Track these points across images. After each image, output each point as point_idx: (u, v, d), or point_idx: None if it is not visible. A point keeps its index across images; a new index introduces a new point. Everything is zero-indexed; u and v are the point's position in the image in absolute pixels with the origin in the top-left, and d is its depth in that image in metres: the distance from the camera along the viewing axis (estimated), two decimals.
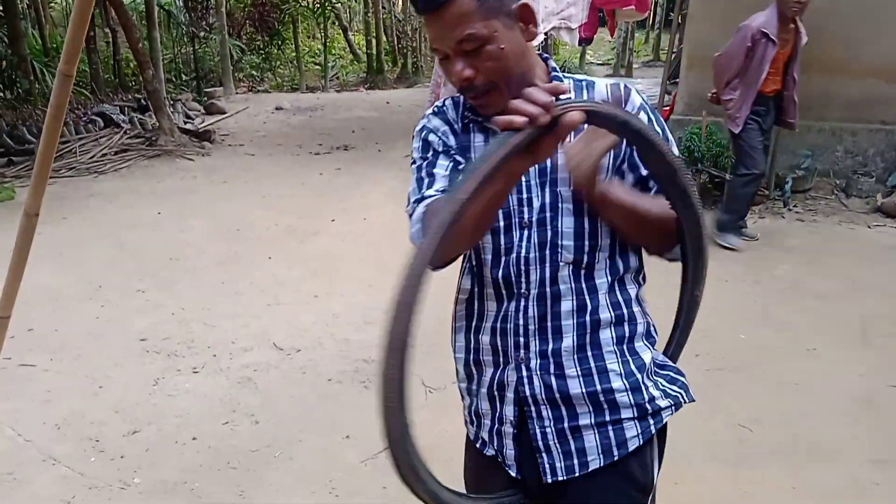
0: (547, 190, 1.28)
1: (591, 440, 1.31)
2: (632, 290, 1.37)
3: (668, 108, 7.27)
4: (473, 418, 1.45)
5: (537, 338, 1.31)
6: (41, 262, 3.98)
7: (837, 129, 6.27)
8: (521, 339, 1.31)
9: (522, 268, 1.29)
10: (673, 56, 8.45)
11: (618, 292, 1.34)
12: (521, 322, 1.31)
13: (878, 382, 3.37)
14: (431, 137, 1.37)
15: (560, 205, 1.28)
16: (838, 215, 5.77)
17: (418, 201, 1.33)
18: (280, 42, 16.06)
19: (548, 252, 1.28)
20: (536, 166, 1.25)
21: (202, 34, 14.37)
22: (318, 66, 16.83)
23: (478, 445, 1.45)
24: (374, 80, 15.21)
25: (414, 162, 1.40)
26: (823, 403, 3.20)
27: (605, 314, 1.31)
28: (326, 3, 15.42)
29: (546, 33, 5.57)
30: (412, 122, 10.32)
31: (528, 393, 1.32)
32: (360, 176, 7.23)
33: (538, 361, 1.31)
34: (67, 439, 2.94)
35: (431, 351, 2.90)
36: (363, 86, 14.83)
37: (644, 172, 1.31)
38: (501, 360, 1.35)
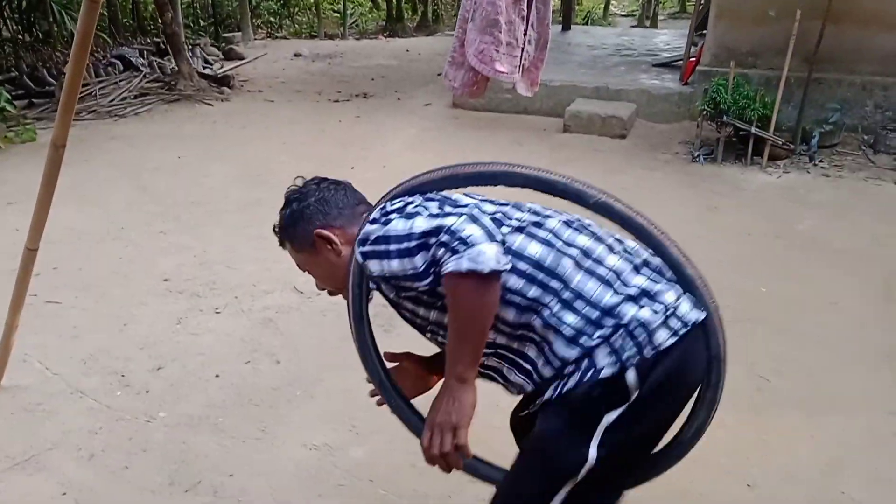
0: None
1: None
2: None
3: (693, 58, 7.12)
4: None
5: None
6: (64, 203, 3.99)
7: (868, 82, 6.13)
8: None
9: None
10: (700, 7, 8.25)
11: None
12: None
13: None
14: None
15: None
16: (865, 171, 5.67)
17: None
18: None
19: None
20: None
21: None
22: (336, 14, 16.57)
23: None
24: (393, 29, 14.97)
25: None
26: (844, 356, 3.20)
27: None
28: None
29: None
30: (432, 70, 10.17)
31: None
32: (380, 124, 7.17)
33: None
34: (94, 373, 3.01)
35: None
36: (383, 34, 14.61)
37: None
38: None
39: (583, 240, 1.37)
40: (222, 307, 3.59)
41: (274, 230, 1.64)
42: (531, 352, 1.38)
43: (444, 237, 1.22)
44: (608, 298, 1.31)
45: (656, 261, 1.40)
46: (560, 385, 1.33)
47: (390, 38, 14.04)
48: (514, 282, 1.32)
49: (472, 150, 6.11)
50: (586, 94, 7.13)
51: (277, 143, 6.48)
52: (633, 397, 1.29)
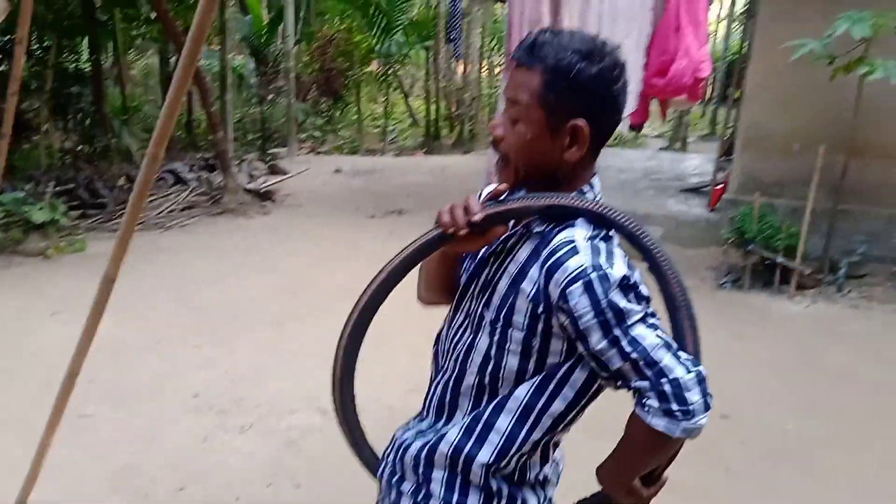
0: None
1: None
2: None
3: (720, 185, 7.29)
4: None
5: None
6: (107, 314, 4.17)
7: (895, 215, 6.19)
8: None
9: None
10: (726, 135, 8.51)
11: None
12: None
13: None
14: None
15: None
16: (895, 304, 5.64)
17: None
18: (343, 105, 16.69)
19: None
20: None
21: (270, 97, 15.07)
22: (377, 129, 17.39)
23: None
24: (431, 145, 15.61)
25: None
26: (876, 498, 3.12)
27: None
28: (390, 70, 16.01)
29: None
30: (466, 188, 10.44)
31: None
32: (411, 240, 7.38)
33: None
34: (118, 493, 3.07)
35: None
36: (421, 150, 15.23)
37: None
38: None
39: None
40: (248, 426, 3.66)
41: (533, 47, 1.26)
42: None
43: (666, 387, 1.18)
44: None
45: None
46: None
47: (428, 154, 14.62)
48: None
49: None
50: None
51: (313, 258, 6.72)
52: None
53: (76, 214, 7.75)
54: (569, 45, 1.24)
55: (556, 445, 1.47)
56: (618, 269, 1.22)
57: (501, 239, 1.38)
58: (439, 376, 1.50)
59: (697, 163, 10.86)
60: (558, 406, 1.33)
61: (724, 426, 3.64)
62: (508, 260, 1.36)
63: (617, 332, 1.20)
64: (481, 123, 16.11)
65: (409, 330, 4.93)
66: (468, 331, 1.43)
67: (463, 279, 1.50)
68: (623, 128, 6.34)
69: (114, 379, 4.13)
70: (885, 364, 4.56)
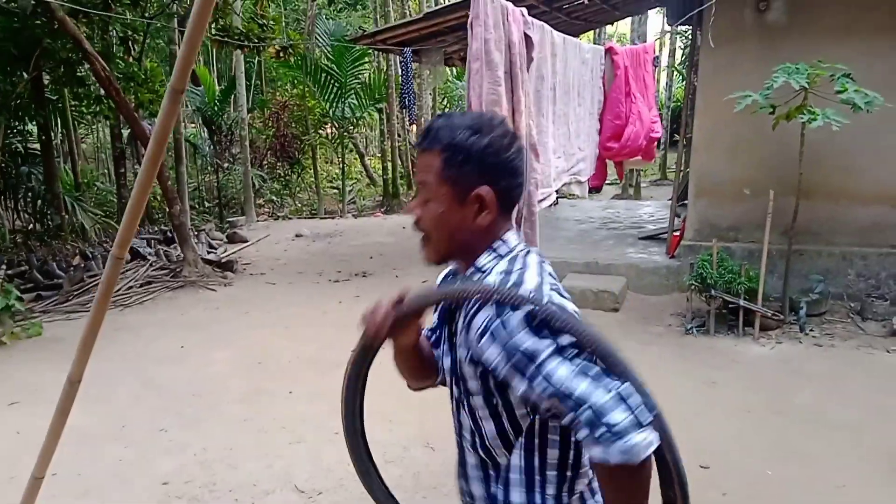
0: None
1: None
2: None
3: (677, 232, 7.46)
4: None
5: None
6: None
7: (847, 253, 6.39)
8: None
9: None
10: (679, 180, 8.74)
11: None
12: None
13: None
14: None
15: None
16: (856, 339, 5.78)
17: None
18: (300, 169, 16.74)
19: None
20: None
21: (226, 165, 15.06)
22: (335, 191, 17.45)
23: None
24: (390, 204, 15.71)
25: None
26: None
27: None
28: (344, 133, 16.17)
29: (557, 190, 5.89)
30: None
31: None
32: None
33: None
34: None
35: None
36: (380, 209, 15.31)
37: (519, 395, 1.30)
38: None
39: None
40: None
41: (429, 132, 1.39)
42: None
43: (586, 414, 1.17)
44: None
45: None
46: None
47: (387, 213, 14.69)
48: None
49: None
50: (577, 269, 7.38)
51: (279, 328, 6.62)
52: None
53: (30, 297, 7.55)
54: (460, 124, 1.37)
55: (593, 491, 1.43)
56: (520, 311, 1.24)
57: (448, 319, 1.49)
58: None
59: (652, 209, 11.10)
60: (553, 454, 1.36)
61: (704, 477, 3.64)
62: (455, 333, 1.43)
63: (531, 372, 1.23)
64: None
65: (383, 399, 4.88)
66: (456, 412, 1.50)
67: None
68: (583, 192, 6.48)
69: (79, 471, 3.96)
70: (850, 404, 4.63)
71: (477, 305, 1.30)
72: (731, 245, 6.55)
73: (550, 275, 1.40)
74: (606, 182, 20.20)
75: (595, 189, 8.52)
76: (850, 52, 5.80)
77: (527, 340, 1.23)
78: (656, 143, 6.58)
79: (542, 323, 1.23)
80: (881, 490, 3.59)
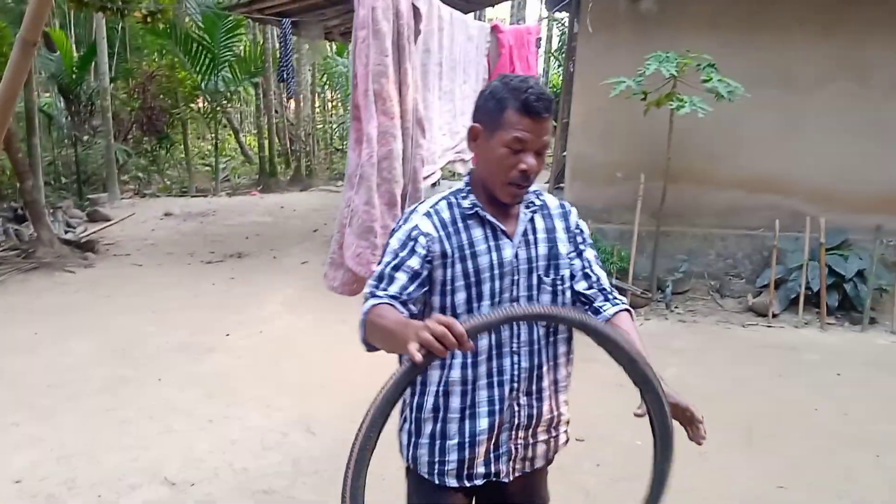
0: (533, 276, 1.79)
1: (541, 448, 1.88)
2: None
3: None
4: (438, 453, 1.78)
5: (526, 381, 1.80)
6: None
7: (709, 234, 6.78)
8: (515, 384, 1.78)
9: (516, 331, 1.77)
10: (556, 163, 8.98)
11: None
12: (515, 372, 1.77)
13: (765, 484, 3.54)
14: (420, 239, 1.66)
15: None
16: (715, 315, 6.16)
17: (372, 294, 1.63)
18: (169, 144, 15.84)
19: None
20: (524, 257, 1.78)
21: (85, 138, 13.99)
22: (208, 168, 16.66)
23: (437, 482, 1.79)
24: (267, 183, 15.18)
25: (388, 250, 1.68)
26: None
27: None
28: (218, 108, 15.45)
29: (441, 168, 5.86)
30: (307, 227, 10.22)
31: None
32: (256, 285, 7.10)
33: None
34: None
35: None
36: (256, 188, 14.76)
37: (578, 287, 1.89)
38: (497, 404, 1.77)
39: None
40: None
41: (549, 101, 1.64)
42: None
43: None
44: None
45: None
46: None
47: (264, 192, 14.19)
48: None
49: (352, 309, 6.12)
50: None
51: (146, 312, 6.23)
52: None
53: None
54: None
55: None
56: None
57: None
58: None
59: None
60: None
61: (580, 449, 3.75)
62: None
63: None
64: (318, 159, 15.93)
65: (260, 384, 4.70)
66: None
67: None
68: (466, 171, 6.49)
69: None
70: (712, 376, 4.92)
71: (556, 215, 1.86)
72: (604, 226, 6.78)
73: None
74: None
75: None
76: (714, 44, 6.11)
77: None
78: None
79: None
80: (739, 455, 3.84)
